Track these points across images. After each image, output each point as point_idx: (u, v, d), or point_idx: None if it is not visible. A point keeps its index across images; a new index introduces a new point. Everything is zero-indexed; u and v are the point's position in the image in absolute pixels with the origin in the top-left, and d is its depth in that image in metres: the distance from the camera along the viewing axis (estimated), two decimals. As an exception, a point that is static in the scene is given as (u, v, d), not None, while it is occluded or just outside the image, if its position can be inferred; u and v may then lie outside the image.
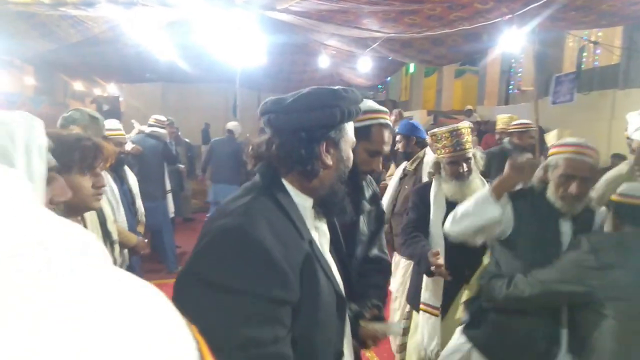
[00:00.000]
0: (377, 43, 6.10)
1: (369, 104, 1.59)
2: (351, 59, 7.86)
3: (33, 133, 0.71)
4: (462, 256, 2.14)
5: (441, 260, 2.01)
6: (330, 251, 1.19)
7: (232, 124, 6.45)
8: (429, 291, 2.28)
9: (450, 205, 2.19)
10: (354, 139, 1.15)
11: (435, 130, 2.26)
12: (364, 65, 7.48)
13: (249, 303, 0.87)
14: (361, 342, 1.34)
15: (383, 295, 1.63)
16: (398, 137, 3.24)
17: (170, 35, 6.43)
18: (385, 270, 1.74)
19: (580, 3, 4.06)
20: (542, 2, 3.76)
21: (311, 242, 1.03)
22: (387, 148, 1.59)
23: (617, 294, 1.46)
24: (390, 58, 7.54)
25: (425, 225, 2.32)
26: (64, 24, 5.26)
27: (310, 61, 8.60)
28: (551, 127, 7.24)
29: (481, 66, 11.20)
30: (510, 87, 11.03)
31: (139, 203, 2.86)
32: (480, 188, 2.16)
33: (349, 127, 1.12)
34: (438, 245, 2.22)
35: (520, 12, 4.05)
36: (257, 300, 0.87)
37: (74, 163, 1.30)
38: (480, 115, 9.90)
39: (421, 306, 2.31)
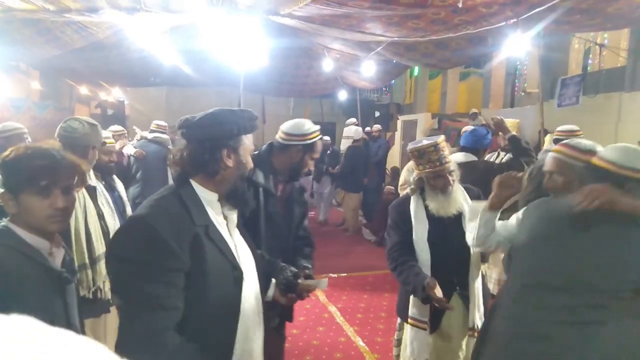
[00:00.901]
0: (381, 47, 6.08)
1: (311, 126, 2.13)
2: (355, 62, 7.84)
3: None
4: (449, 265, 2.22)
5: (440, 292, 2.04)
6: (242, 233, 1.54)
7: None
8: (416, 307, 2.28)
9: (431, 219, 2.23)
10: (252, 147, 1.48)
11: (417, 146, 2.23)
12: (368, 69, 7.46)
13: (146, 270, 1.23)
14: (299, 294, 1.77)
15: (311, 261, 2.18)
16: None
17: (174, 40, 6.44)
18: (311, 244, 2.30)
19: (585, 6, 4.02)
20: (547, 6, 3.72)
21: (207, 226, 1.35)
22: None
23: (515, 249, 1.75)
24: (394, 61, 7.52)
25: (409, 244, 2.32)
26: (69, 30, 5.28)
27: (314, 64, 8.59)
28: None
29: (486, 69, 11.15)
30: (516, 89, 10.97)
31: (130, 211, 2.85)
32: (461, 198, 2.25)
33: (246, 138, 1.44)
34: (424, 261, 2.26)
35: (525, 16, 4.02)
36: (151, 267, 1.23)
37: (22, 184, 1.24)
38: (485, 118, 9.86)
39: (409, 320, 2.32)
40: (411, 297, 2.27)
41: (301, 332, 3.89)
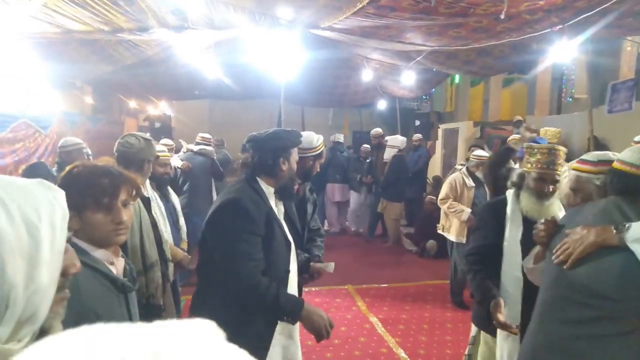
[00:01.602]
0: (422, 56, 6.06)
1: (318, 138, 2.54)
2: (394, 72, 7.83)
3: (55, 204, 0.70)
4: None
5: (503, 317, 2.01)
6: (285, 219, 2.13)
7: None
8: (507, 309, 2.16)
9: (527, 223, 2.18)
10: (297, 157, 2.09)
11: (533, 144, 2.32)
12: (408, 78, 7.44)
13: (243, 234, 1.83)
14: (311, 275, 2.39)
15: (322, 249, 2.67)
16: None
17: (217, 54, 6.67)
18: (321, 235, 2.79)
19: (638, 9, 3.86)
20: (595, 10, 3.61)
21: (270, 208, 1.97)
22: None
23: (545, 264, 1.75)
24: (434, 70, 7.46)
25: (492, 248, 2.28)
26: (120, 48, 5.58)
27: (353, 75, 8.63)
28: (608, 138, 6.89)
29: (531, 74, 10.82)
30: (563, 95, 10.59)
31: (182, 221, 2.98)
32: (557, 213, 2.17)
33: (294, 151, 2.05)
34: (513, 263, 2.19)
35: (571, 22, 3.90)
36: (246, 233, 1.84)
37: (86, 201, 1.31)
38: (529, 125, 9.56)
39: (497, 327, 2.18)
40: (501, 300, 2.15)
41: (342, 342, 3.89)
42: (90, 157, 4.16)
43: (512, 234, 2.24)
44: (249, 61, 6.70)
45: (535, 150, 2.22)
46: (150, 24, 4.41)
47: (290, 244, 2.04)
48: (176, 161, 5.00)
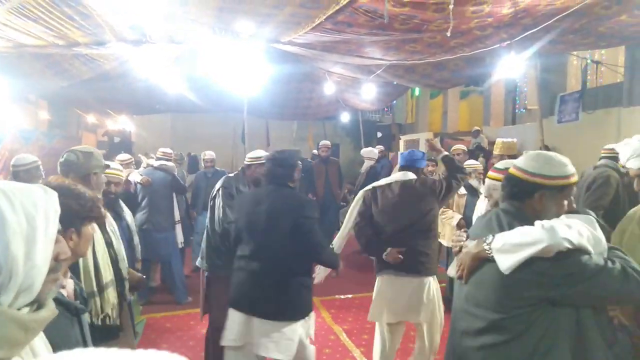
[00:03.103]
0: (381, 69, 6.22)
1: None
2: (356, 85, 7.98)
3: (49, 202, 0.90)
4: None
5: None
6: None
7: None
8: None
9: None
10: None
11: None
12: (369, 91, 7.60)
13: (316, 225, 2.70)
14: None
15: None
16: None
17: (178, 68, 6.61)
18: None
19: (578, 26, 4.12)
20: (538, 28, 3.83)
21: None
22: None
23: None
24: (394, 83, 7.65)
25: None
26: (77, 62, 5.45)
27: (316, 88, 8.74)
28: (557, 146, 7.24)
29: (486, 87, 11.28)
30: (517, 106, 11.06)
31: (137, 240, 2.92)
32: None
33: (299, 165, 2.87)
34: None
35: (518, 38, 4.12)
36: (317, 223, 2.73)
37: (88, 217, 1.47)
38: (486, 136, 9.93)
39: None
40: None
41: (308, 355, 3.88)
42: (43, 175, 4.03)
43: None
44: (211, 75, 6.68)
45: None
46: (107, 38, 4.34)
47: None
48: (135, 176, 4.91)
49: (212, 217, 3.35)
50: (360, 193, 3.35)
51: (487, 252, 1.45)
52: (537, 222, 1.40)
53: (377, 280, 3.31)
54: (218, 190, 3.40)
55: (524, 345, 1.39)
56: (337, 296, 5.35)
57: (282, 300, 2.51)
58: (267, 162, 2.82)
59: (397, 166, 3.75)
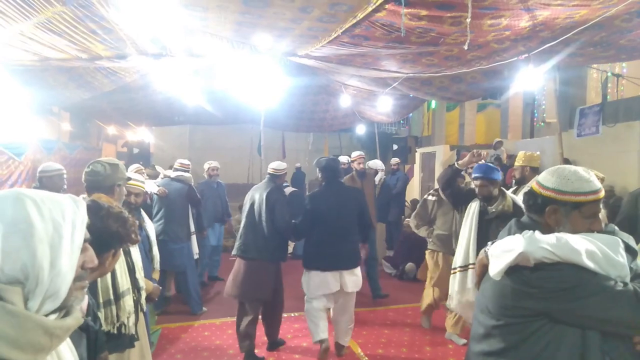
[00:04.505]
0: (397, 82, 6.22)
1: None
2: (372, 98, 8.00)
3: (77, 212, 0.92)
4: None
5: None
6: None
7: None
8: None
9: None
10: None
11: None
12: (385, 104, 7.60)
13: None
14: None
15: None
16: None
17: (197, 81, 6.73)
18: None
19: (598, 39, 4.07)
20: (557, 41, 3.79)
21: None
22: None
23: None
24: (410, 95, 7.65)
25: None
26: (99, 75, 5.59)
27: (332, 100, 8.79)
28: (577, 160, 7.12)
29: (503, 99, 11.19)
30: (535, 119, 10.94)
31: (156, 250, 2.95)
32: None
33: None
34: None
35: (536, 51, 4.09)
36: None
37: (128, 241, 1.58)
38: (506, 149, 9.82)
39: None
40: None
41: (322, 368, 3.85)
42: (65, 184, 4.13)
43: None
44: (229, 88, 6.78)
45: None
46: (128, 51, 4.45)
47: None
48: (152, 187, 4.97)
49: (270, 217, 3.92)
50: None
51: (486, 258, 1.50)
52: (525, 231, 1.42)
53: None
54: (275, 198, 3.98)
55: (518, 359, 1.37)
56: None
57: (355, 257, 3.96)
58: (324, 168, 4.00)
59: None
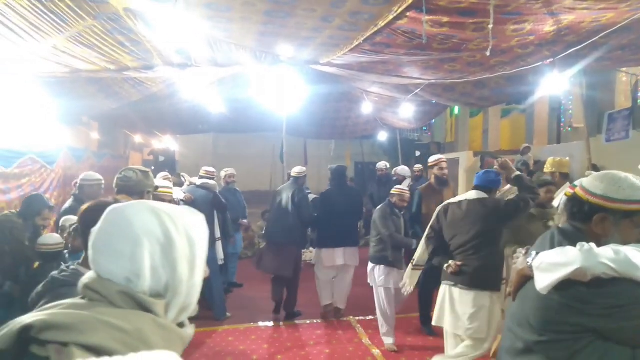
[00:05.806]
0: (419, 89, 6.20)
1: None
2: (394, 104, 7.99)
3: (201, 224, 0.95)
4: None
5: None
6: None
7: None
8: None
9: None
10: None
11: None
12: (407, 110, 7.58)
13: None
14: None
15: None
16: None
17: (220, 90, 6.86)
18: None
19: (626, 42, 3.98)
20: (583, 45, 3.73)
21: None
22: None
23: None
24: (433, 101, 7.61)
25: None
26: (126, 85, 5.76)
27: (354, 107, 8.81)
28: (606, 166, 6.93)
29: (529, 105, 11.00)
30: (562, 125, 10.71)
31: None
32: None
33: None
34: None
35: (561, 55, 4.03)
36: None
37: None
38: (533, 155, 9.63)
39: None
40: None
41: (345, 376, 3.84)
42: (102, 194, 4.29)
43: None
44: (252, 96, 6.88)
45: None
46: (155, 62, 4.57)
47: None
48: (178, 193, 5.07)
49: (297, 211, 5.06)
50: (438, 208, 3.62)
51: (529, 269, 1.40)
52: (580, 244, 1.32)
53: (440, 289, 3.58)
54: (300, 197, 5.12)
55: None
56: (375, 316, 5.26)
57: (354, 238, 5.29)
58: (334, 172, 5.29)
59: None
